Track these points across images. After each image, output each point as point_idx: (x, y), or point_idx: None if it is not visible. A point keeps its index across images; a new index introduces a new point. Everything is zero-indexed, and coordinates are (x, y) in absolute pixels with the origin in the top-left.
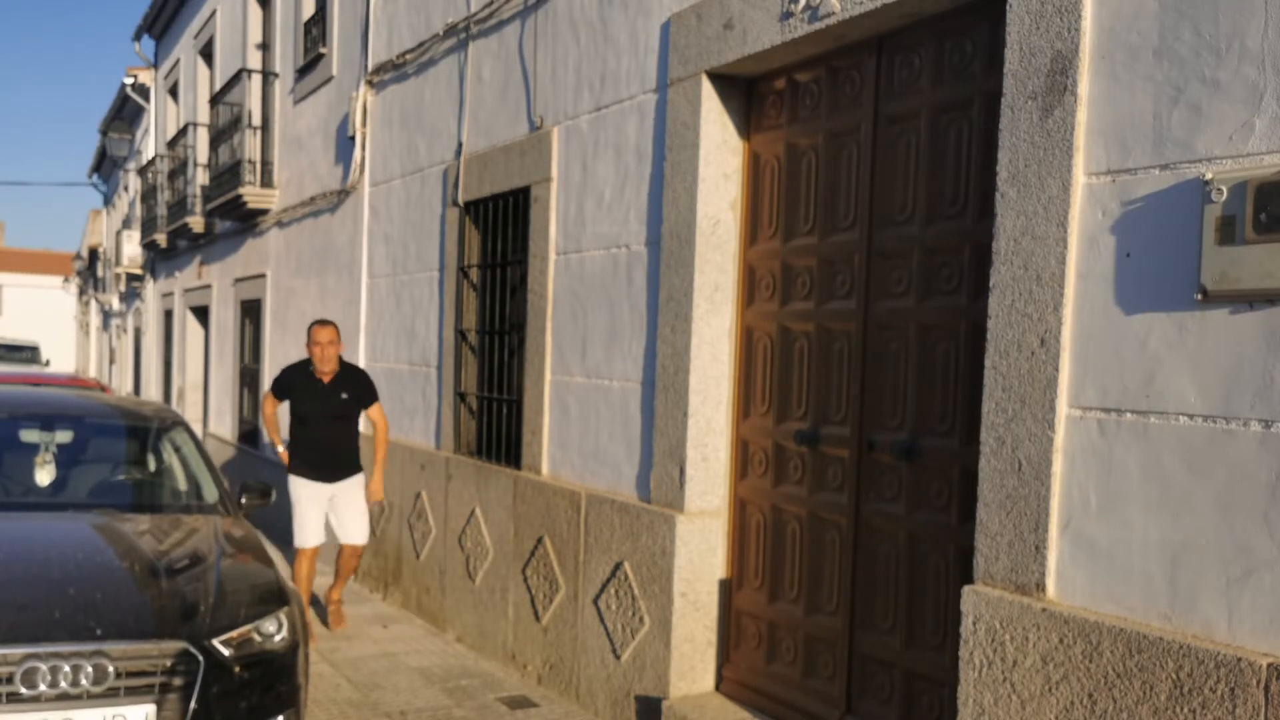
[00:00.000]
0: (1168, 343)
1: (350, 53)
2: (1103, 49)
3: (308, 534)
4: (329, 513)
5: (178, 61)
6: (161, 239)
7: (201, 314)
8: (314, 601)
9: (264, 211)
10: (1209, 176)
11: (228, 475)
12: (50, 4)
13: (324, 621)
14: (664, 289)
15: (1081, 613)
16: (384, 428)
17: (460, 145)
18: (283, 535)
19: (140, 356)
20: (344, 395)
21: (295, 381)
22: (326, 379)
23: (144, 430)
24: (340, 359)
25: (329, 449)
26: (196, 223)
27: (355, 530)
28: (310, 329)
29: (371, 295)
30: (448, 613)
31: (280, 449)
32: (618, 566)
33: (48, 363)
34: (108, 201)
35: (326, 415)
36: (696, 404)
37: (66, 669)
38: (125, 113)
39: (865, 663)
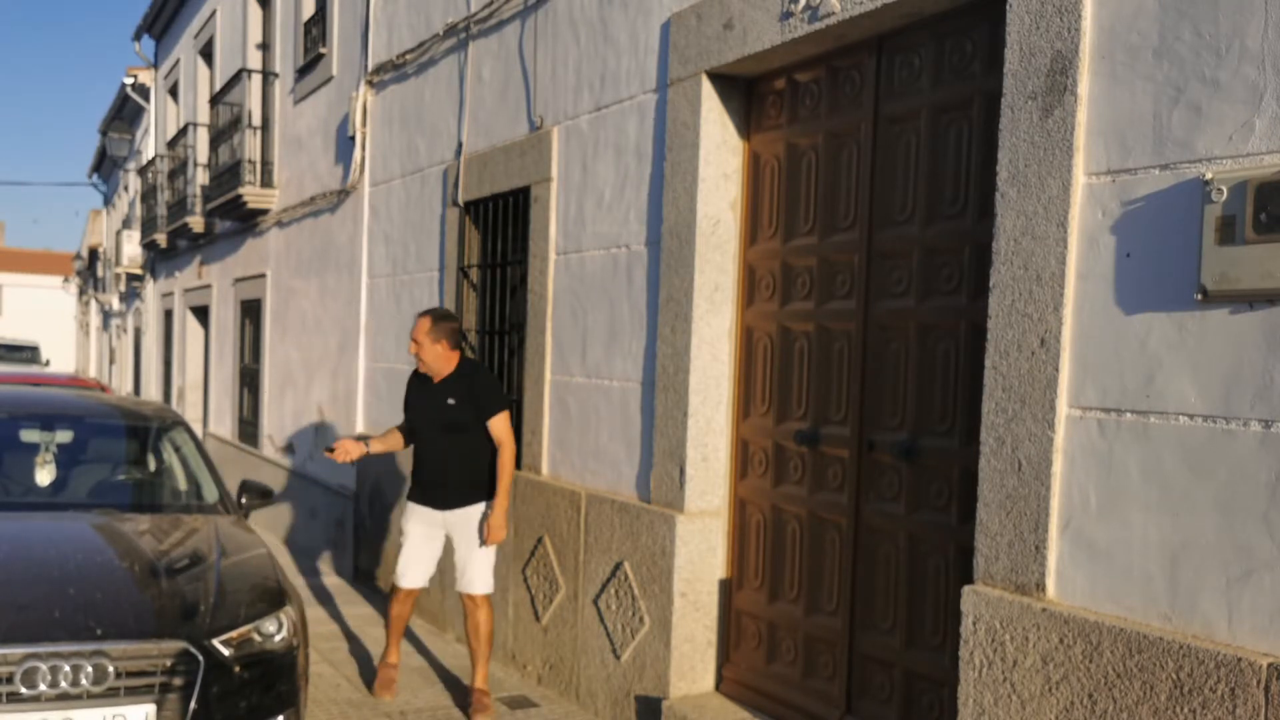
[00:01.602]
0: (1168, 343)
1: (350, 53)
2: (1103, 49)
3: (408, 571)
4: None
5: (178, 61)
6: (161, 239)
7: (201, 314)
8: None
9: (264, 211)
10: (1209, 176)
11: (228, 475)
12: (50, 4)
13: (369, 685)
14: (664, 289)
15: (1081, 613)
16: (509, 448)
17: (460, 145)
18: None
19: (140, 356)
20: (450, 401)
21: (410, 384)
22: (436, 379)
23: (144, 430)
24: (462, 357)
25: (437, 467)
26: (196, 223)
27: (471, 575)
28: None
29: (372, 295)
30: (447, 613)
31: (326, 450)
32: (618, 566)
33: (48, 363)
34: (108, 201)
35: (433, 425)
36: (696, 404)
37: (66, 669)
38: (125, 113)
39: (865, 663)
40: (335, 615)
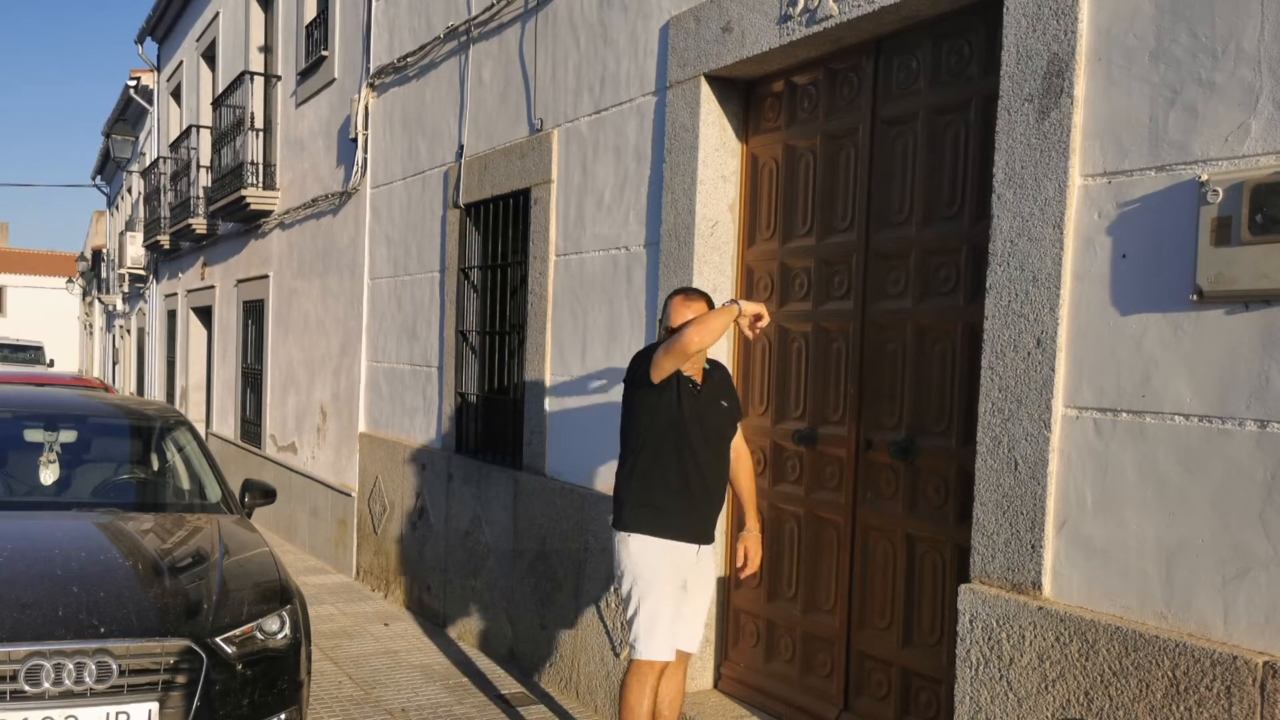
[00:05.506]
0: (1163, 343)
1: (352, 55)
2: (1099, 51)
3: (661, 636)
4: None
5: (180, 64)
6: (164, 240)
7: (204, 315)
8: None
9: (266, 213)
10: (1205, 178)
11: (231, 475)
12: (53, 6)
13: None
14: (663, 290)
15: (1078, 611)
16: (750, 455)
17: (461, 147)
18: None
19: (143, 357)
20: (723, 403)
21: (682, 387)
22: (699, 377)
23: (147, 430)
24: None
25: (713, 489)
26: (199, 224)
27: (697, 627)
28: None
29: (373, 296)
30: (448, 611)
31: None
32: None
33: (51, 363)
34: (111, 203)
35: (712, 436)
36: None
37: (70, 667)
38: (128, 115)
39: (863, 660)
40: (338, 613)
